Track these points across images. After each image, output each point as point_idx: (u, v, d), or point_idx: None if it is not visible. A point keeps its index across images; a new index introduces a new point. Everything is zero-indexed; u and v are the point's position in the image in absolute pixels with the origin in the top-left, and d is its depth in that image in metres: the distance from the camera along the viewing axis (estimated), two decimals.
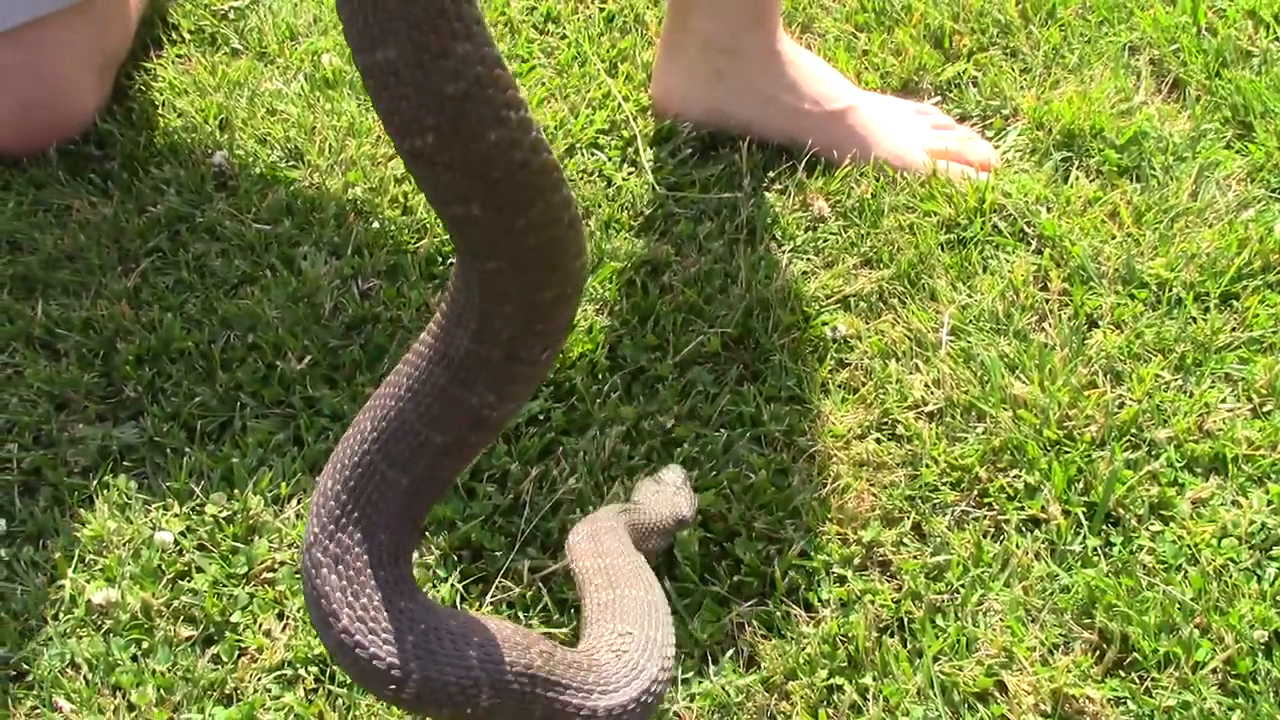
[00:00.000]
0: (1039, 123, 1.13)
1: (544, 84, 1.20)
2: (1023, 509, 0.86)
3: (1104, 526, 0.84)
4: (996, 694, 0.77)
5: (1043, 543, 0.84)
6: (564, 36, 1.26)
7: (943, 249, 1.03)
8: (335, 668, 0.79)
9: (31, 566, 0.84)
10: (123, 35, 1.19)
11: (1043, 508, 0.85)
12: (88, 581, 0.83)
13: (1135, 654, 0.78)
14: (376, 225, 1.06)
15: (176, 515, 0.87)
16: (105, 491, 0.88)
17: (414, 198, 1.09)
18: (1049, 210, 1.05)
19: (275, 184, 1.11)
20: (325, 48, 1.25)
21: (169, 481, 0.88)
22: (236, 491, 0.87)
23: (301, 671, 0.78)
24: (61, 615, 0.82)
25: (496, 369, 0.52)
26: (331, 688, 0.78)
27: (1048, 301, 0.98)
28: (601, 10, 1.29)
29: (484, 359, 0.51)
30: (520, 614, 0.81)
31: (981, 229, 1.04)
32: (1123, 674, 0.77)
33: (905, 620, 0.80)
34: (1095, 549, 0.83)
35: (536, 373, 0.54)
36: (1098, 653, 0.78)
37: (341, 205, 1.08)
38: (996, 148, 1.12)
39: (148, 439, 0.91)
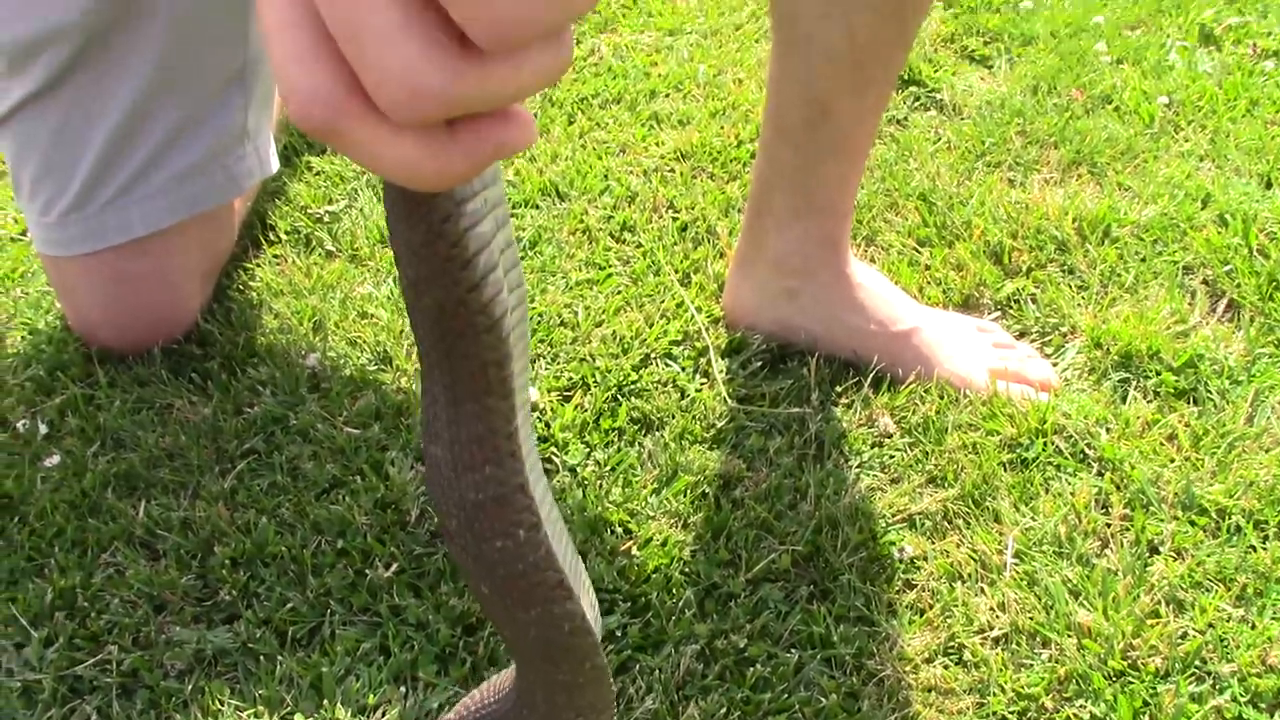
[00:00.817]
0: (1097, 341, 1.18)
1: (620, 293, 1.26)
2: None
3: None
4: None
5: None
6: (639, 245, 1.33)
7: (1005, 469, 1.06)
8: None
9: None
10: (229, 240, 1.27)
11: None
12: None
13: None
14: None
15: None
16: (200, 697, 0.92)
17: None
18: (1108, 432, 1.08)
19: (365, 387, 1.16)
20: None
21: (260, 689, 0.92)
22: (325, 701, 0.91)
23: None
24: None
25: None
26: None
27: (1109, 526, 1.01)
28: (675, 220, 1.36)
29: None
30: None
31: (1043, 450, 1.07)
32: None
33: None
34: None
35: None
36: None
37: None
38: (1055, 365, 1.17)
39: (241, 644, 0.96)
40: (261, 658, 0.94)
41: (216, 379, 1.18)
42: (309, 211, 1.39)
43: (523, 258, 1.32)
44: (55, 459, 1.11)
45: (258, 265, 1.32)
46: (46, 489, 1.08)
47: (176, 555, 1.02)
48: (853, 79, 1.03)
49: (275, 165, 1.27)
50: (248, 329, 1.24)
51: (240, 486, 1.08)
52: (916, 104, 1.54)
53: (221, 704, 0.92)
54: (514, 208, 1.39)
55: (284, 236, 1.36)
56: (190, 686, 0.93)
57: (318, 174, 1.45)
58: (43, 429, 1.14)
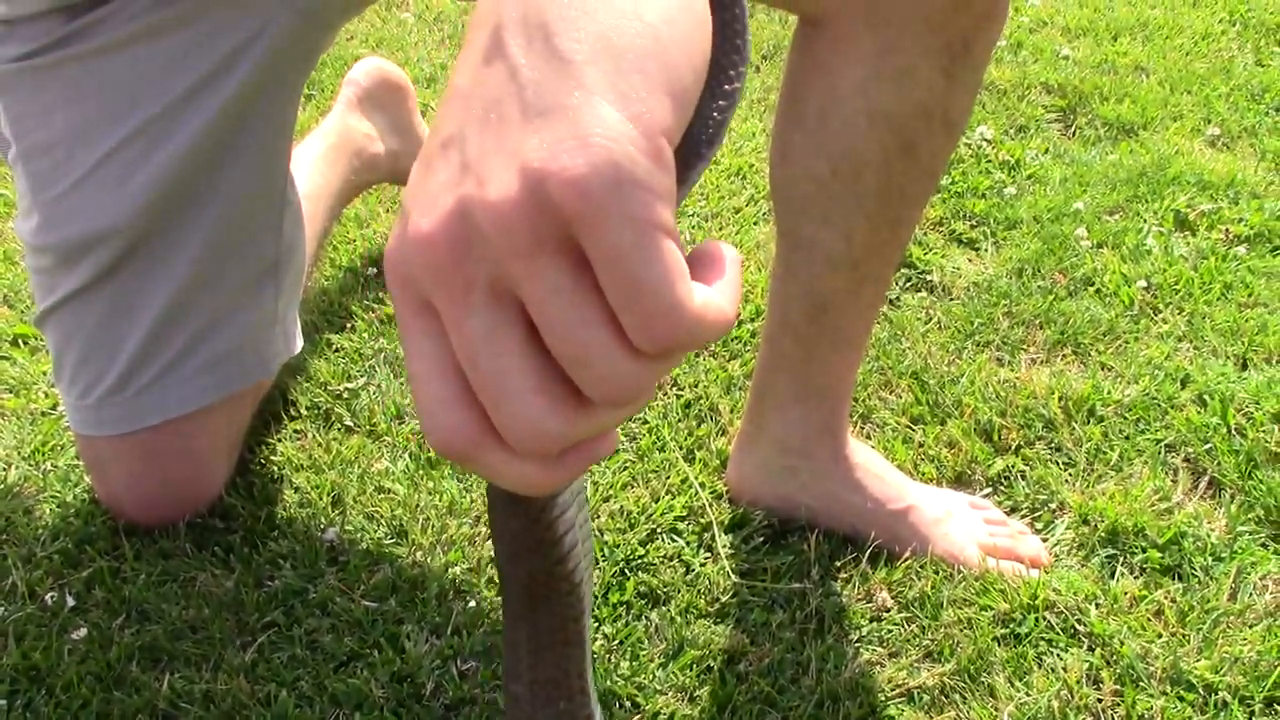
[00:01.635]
0: (1084, 518, 1.23)
1: (627, 469, 1.32)
2: None
3: None
4: None
5: None
6: (645, 422, 1.39)
7: (998, 644, 1.10)
8: None
9: None
10: (250, 415, 1.33)
11: None
12: None
13: None
14: (474, 604, 1.16)
15: None
16: None
17: None
18: (1097, 608, 1.13)
19: (381, 560, 1.21)
20: None
21: None
22: None
23: None
24: None
25: None
26: None
27: (1100, 701, 1.05)
28: (679, 398, 1.42)
29: None
30: None
31: (1035, 625, 1.11)
32: None
33: None
34: None
35: None
36: None
37: (442, 584, 1.18)
38: (1045, 541, 1.21)
39: None
40: None
41: (239, 552, 1.23)
42: (329, 388, 1.46)
43: None
44: (82, 631, 1.15)
45: (279, 440, 1.38)
46: (73, 661, 1.12)
47: None
48: (851, 278, 1.10)
49: (300, 344, 1.33)
50: (269, 503, 1.29)
51: (260, 660, 1.12)
52: (908, 284, 1.62)
53: None
54: None
55: (304, 412, 1.42)
56: None
57: (337, 351, 1.52)
58: (70, 601, 1.19)
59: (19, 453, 1.40)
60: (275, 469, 1.34)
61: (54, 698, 1.09)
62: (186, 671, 1.11)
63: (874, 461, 1.23)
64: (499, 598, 1.17)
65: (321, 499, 1.29)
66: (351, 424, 1.41)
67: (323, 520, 1.27)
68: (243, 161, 1.17)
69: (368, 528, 1.26)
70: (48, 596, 1.19)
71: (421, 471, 1.32)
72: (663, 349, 0.35)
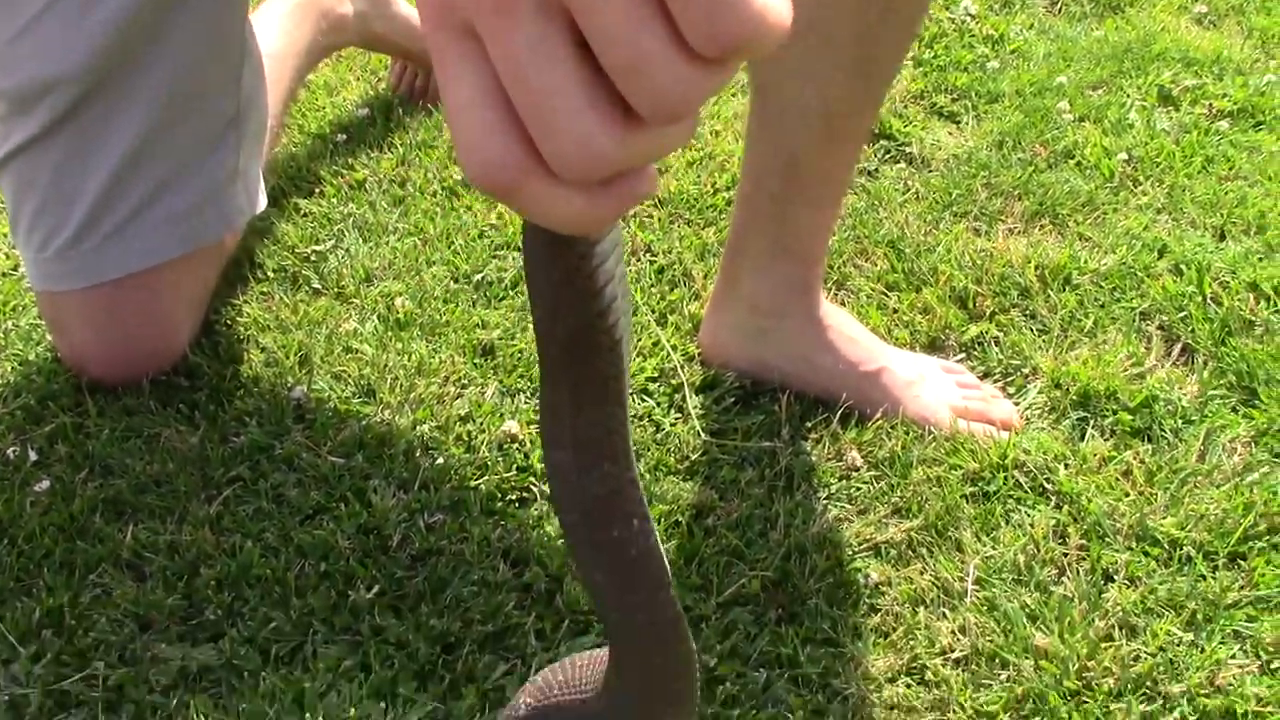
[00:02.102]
0: (1056, 382, 1.22)
1: None
2: None
3: None
4: None
5: None
6: None
7: (967, 501, 1.10)
8: None
9: None
10: (218, 272, 1.31)
11: None
12: None
13: None
14: (442, 461, 1.15)
15: None
16: (185, 711, 0.94)
17: (476, 436, 1.18)
18: (1066, 467, 1.13)
19: (349, 419, 1.20)
20: (398, 290, 1.36)
21: (243, 704, 0.95)
22: (307, 715, 0.94)
23: None
24: None
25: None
26: None
27: (1066, 555, 1.05)
28: (652, 263, 1.40)
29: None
30: None
31: (1004, 484, 1.11)
32: None
33: None
34: None
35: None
36: None
37: (410, 441, 1.17)
38: (1017, 405, 1.21)
39: (225, 660, 0.98)
40: (245, 674, 0.97)
41: (204, 409, 1.22)
42: (296, 251, 1.43)
43: (502, 298, 1.36)
44: (45, 484, 1.14)
45: (245, 301, 1.36)
46: (35, 513, 1.11)
47: (163, 577, 1.05)
48: (825, 133, 1.08)
49: (264, 203, 1.31)
50: (235, 362, 1.28)
51: (226, 512, 1.11)
52: (887, 156, 1.60)
53: (205, 718, 0.94)
54: (495, 252, 1.44)
55: (271, 274, 1.40)
56: (175, 701, 0.95)
57: (305, 215, 1.50)
58: (32, 456, 1.17)
59: None
60: (241, 329, 1.32)
61: (16, 548, 1.08)
62: (150, 524, 1.10)
63: (847, 324, 1.22)
64: (466, 454, 1.16)
65: (288, 358, 1.28)
66: (319, 286, 1.39)
67: (289, 379, 1.25)
68: (198, 4, 1.13)
69: (335, 387, 1.24)
70: (10, 451, 1.18)
71: (390, 333, 1.31)
72: (722, 49, 0.33)
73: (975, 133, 1.63)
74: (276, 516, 1.10)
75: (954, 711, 0.93)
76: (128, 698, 0.96)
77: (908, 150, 1.60)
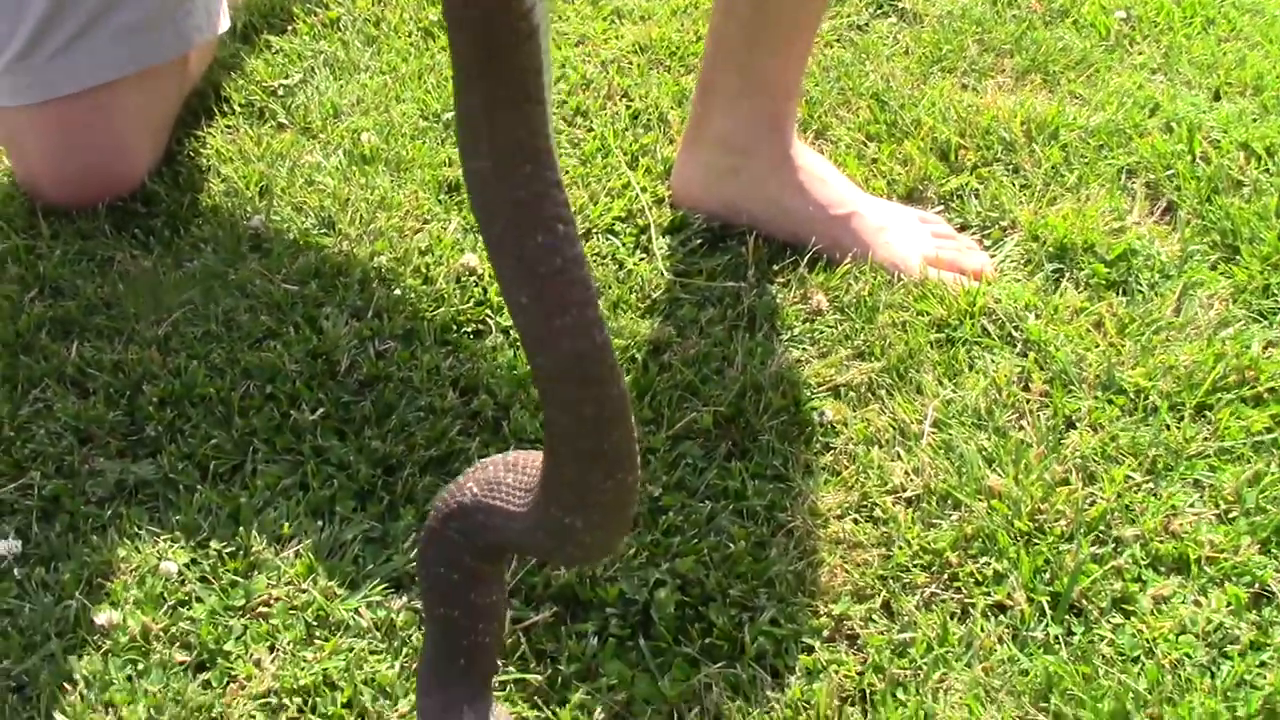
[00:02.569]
0: (1034, 235, 1.19)
1: (568, 172, 1.27)
2: (989, 594, 0.89)
3: (1066, 616, 0.87)
4: None
5: (1006, 627, 0.87)
6: (590, 129, 1.33)
7: (932, 347, 1.08)
8: (318, 699, 0.82)
9: (41, 587, 0.89)
10: (177, 98, 1.27)
11: (1009, 595, 0.89)
12: (93, 604, 0.87)
13: None
14: (398, 292, 1.12)
15: (183, 548, 0.91)
16: (119, 522, 0.93)
17: (434, 269, 1.15)
18: (1036, 316, 1.10)
19: (306, 249, 1.17)
20: (365, 126, 1.33)
21: (179, 516, 0.93)
22: (241, 529, 0.92)
23: (286, 701, 0.82)
24: (65, 634, 0.86)
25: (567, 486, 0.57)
26: (311, 717, 0.81)
27: (1028, 401, 1.02)
28: (628, 108, 1.36)
29: (557, 474, 0.57)
30: (500, 661, 0.85)
31: (970, 330, 1.08)
32: None
33: (868, 692, 0.83)
34: (1056, 637, 0.86)
35: (605, 500, 0.57)
36: None
37: (366, 272, 1.14)
38: (993, 258, 1.18)
39: (163, 475, 0.97)
40: (182, 489, 0.95)
41: (159, 235, 1.19)
42: (264, 85, 1.39)
43: None
44: None
45: (209, 133, 1.32)
46: None
47: (106, 393, 1.03)
48: None
49: (224, 25, 1.27)
50: (194, 190, 1.25)
51: (174, 334, 1.09)
52: (878, 11, 1.54)
53: (139, 529, 0.93)
54: None
55: (237, 108, 1.36)
56: (110, 512, 0.94)
57: (276, 52, 1.45)
58: None
59: None
60: (203, 160, 1.29)
61: None
62: (97, 343, 1.08)
63: (819, 166, 1.18)
64: (424, 286, 1.13)
65: (249, 189, 1.25)
66: (285, 121, 1.35)
67: (248, 209, 1.22)
68: None
69: (294, 218, 1.21)
70: None
71: (354, 167, 1.27)
72: None
73: None
74: (225, 340, 1.08)
75: (900, 548, 0.92)
76: (62, 508, 0.95)
77: (899, 4, 1.54)
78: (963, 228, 1.22)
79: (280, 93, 1.39)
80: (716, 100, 1.15)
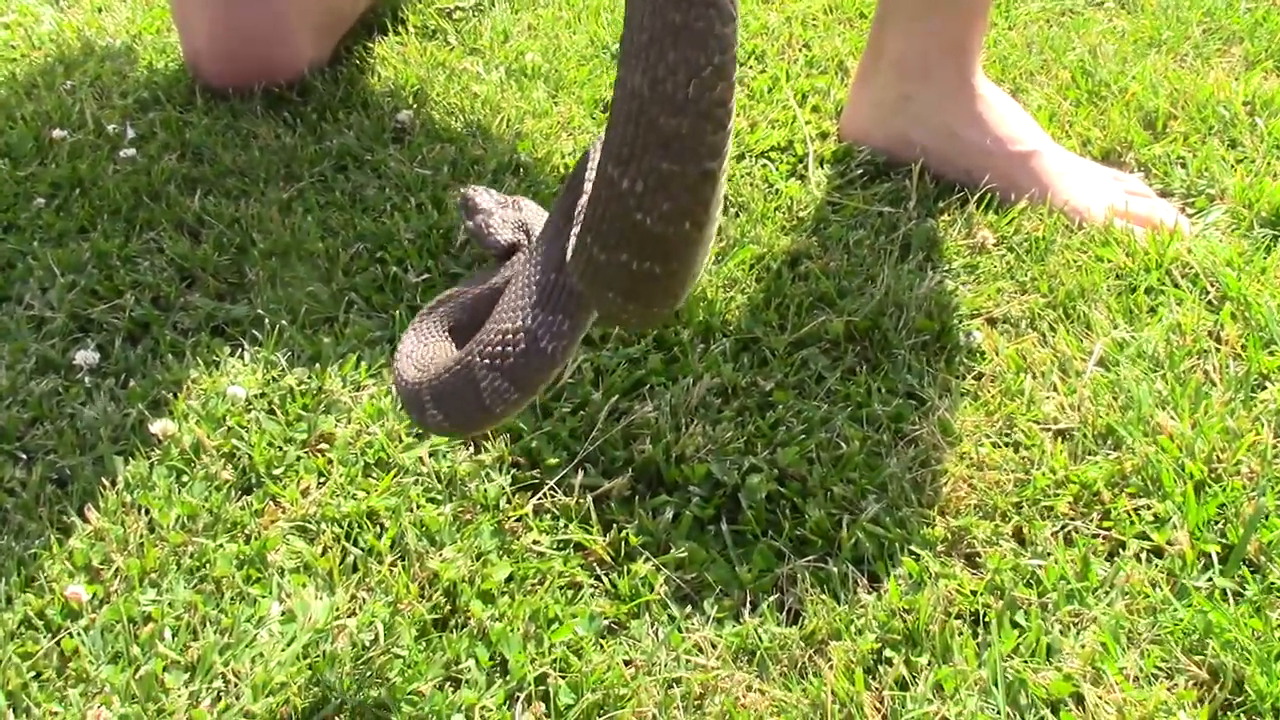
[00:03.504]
0: (1246, 202, 1.04)
1: None
2: (1146, 537, 0.75)
3: (1239, 570, 0.72)
4: (1071, 705, 0.65)
5: (1162, 572, 0.73)
6: (764, 70, 1.26)
7: (1110, 292, 0.94)
8: (359, 530, 0.74)
9: (110, 398, 0.84)
10: (345, 7, 1.26)
11: (1169, 540, 0.74)
12: (152, 415, 0.82)
13: (1249, 695, 0.65)
14: (529, 185, 1.06)
15: (256, 379, 0.86)
16: (199, 349, 0.88)
17: (573, 166, 1.08)
18: (1237, 274, 0.95)
19: (448, 143, 1.12)
20: (531, 48, 1.28)
21: (261, 351, 0.88)
22: (319, 369, 0.86)
23: (324, 528, 0.74)
24: (119, 439, 0.81)
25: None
26: (348, 546, 0.73)
27: (1218, 352, 0.88)
28: (806, 56, 1.28)
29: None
30: (564, 522, 0.75)
31: (1158, 281, 0.95)
32: (1230, 715, 0.65)
33: (981, 613, 0.70)
34: (1224, 590, 0.71)
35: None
36: (1203, 688, 0.66)
37: (503, 166, 1.09)
38: (1194, 225, 1.04)
39: (253, 315, 0.92)
40: (269, 328, 0.90)
41: (307, 119, 1.16)
42: (440, 9, 1.37)
43: None
44: (131, 152, 1.10)
45: (378, 45, 1.30)
46: (117, 176, 1.07)
47: (218, 241, 1.00)
48: None
49: None
50: (350, 85, 1.22)
51: (298, 198, 1.05)
52: (1095, 0, 1.43)
53: (219, 359, 0.88)
54: None
55: (411, 29, 1.34)
56: (193, 341, 0.89)
57: None
58: (130, 133, 1.14)
59: (127, 30, 1.37)
60: (368, 63, 1.27)
61: (88, 199, 1.05)
62: (222, 199, 1.05)
63: (1001, 99, 1.07)
64: (560, 183, 1.07)
65: (404, 88, 1.21)
66: (455, 42, 1.32)
67: (400, 105, 1.19)
68: None
69: (444, 120, 1.17)
70: (110, 127, 1.15)
71: (513, 81, 1.23)
72: None
73: None
74: (347, 209, 1.04)
75: (1042, 473, 0.78)
76: (149, 333, 0.91)
77: None
78: (1163, 194, 1.09)
79: (455, 16, 1.36)
80: (894, 20, 1.06)
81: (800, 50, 1.29)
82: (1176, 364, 0.86)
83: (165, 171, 1.07)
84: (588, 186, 0.52)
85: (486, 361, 0.54)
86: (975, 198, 1.03)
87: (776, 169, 1.10)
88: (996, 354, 0.89)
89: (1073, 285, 0.94)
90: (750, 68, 1.26)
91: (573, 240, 0.51)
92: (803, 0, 1.40)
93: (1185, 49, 1.30)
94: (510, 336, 0.53)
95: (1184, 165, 1.11)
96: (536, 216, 0.65)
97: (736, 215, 1.03)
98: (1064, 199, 1.02)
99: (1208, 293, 0.94)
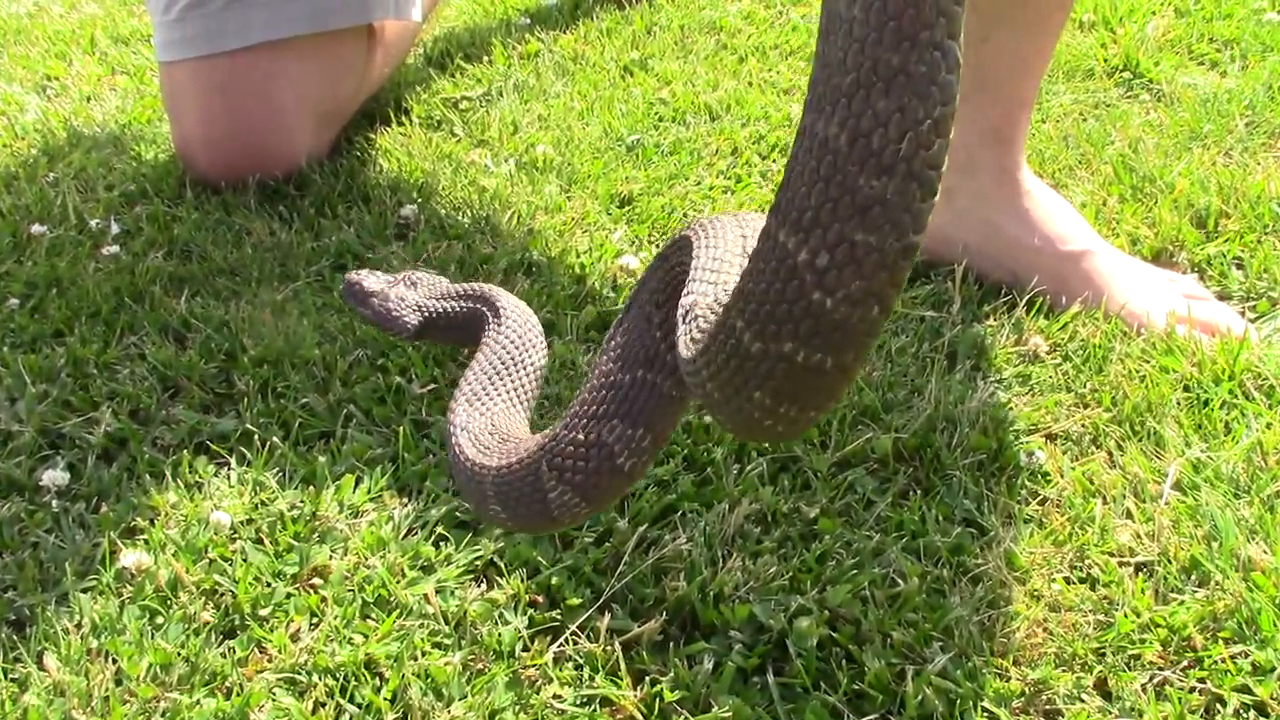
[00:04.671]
0: None
1: (755, 199, 1.12)
2: (1247, 690, 0.66)
3: None
4: None
5: None
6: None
7: (1179, 405, 0.86)
8: (355, 684, 0.65)
9: (78, 524, 0.76)
10: (352, 91, 1.19)
11: (1275, 694, 0.65)
12: (125, 545, 0.74)
13: None
14: (543, 286, 0.98)
15: (243, 503, 0.77)
16: (180, 470, 0.80)
17: (590, 269, 1.01)
18: None
19: (455, 241, 1.05)
20: (542, 140, 1.22)
21: (249, 473, 0.79)
22: (313, 492, 0.77)
23: (316, 680, 0.65)
24: (86, 573, 0.72)
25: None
26: (343, 702, 0.64)
27: None
28: None
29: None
30: (589, 673, 0.66)
31: (1229, 394, 0.87)
32: None
33: None
34: None
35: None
36: None
37: (513, 265, 1.01)
38: (1260, 331, 0.96)
39: (241, 429, 0.83)
40: (259, 446, 0.82)
41: (304, 214, 1.09)
42: (446, 99, 1.31)
43: (657, 163, 1.19)
44: (114, 249, 1.03)
45: (380, 135, 1.24)
46: (98, 276, 1.00)
47: (205, 347, 0.92)
48: None
49: (417, 13, 1.19)
50: (351, 178, 1.15)
51: (293, 300, 0.98)
52: (1128, 93, 1.37)
53: (202, 480, 0.79)
54: (659, 122, 1.28)
55: (416, 119, 1.28)
56: (173, 459, 0.81)
57: (466, 75, 1.38)
58: (115, 229, 1.07)
59: (116, 120, 1.31)
60: (370, 155, 1.20)
61: (66, 300, 0.97)
62: (211, 301, 0.98)
63: (1049, 196, 1.00)
64: (575, 285, 0.99)
65: (409, 181, 1.15)
66: (461, 133, 1.26)
67: (404, 199, 1.12)
68: None
69: (451, 215, 1.10)
70: (93, 222, 1.08)
71: (524, 174, 1.16)
72: None
73: (1240, 77, 1.38)
74: (346, 312, 0.96)
75: (1125, 616, 0.70)
76: (126, 450, 0.83)
77: (1155, 86, 1.37)
78: (1221, 297, 1.01)
79: (461, 104, 1.30)
80: None
81: None
82: (1262, 488, 0.78)
83: (150, 270, 1.00)
84: (704, 270, 0.45)
85: (557, 473, 0.48)
86: (1024, 301, 0.96)
87: None
88: (1061, 475, 0.81)
89: (1138, 398, 0.86)
90: (774, 161, 1.20)
91: (696, 329, 0.43)
92: None
93: (1229, 142, 1.24)
94: (584, 450, 0.47)
95: (1241, 266, 1.04)
96: (433, 287, 0.62)
97: None
98: (1120, 303, 0.94)
99: None
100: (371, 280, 0.62)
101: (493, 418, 0.55)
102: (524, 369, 0.58)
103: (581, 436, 0.48)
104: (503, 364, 0.58)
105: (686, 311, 0.44)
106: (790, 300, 0.36)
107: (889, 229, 0.34)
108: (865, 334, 0.36)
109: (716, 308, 0.43)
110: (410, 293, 0.62)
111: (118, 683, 0.65)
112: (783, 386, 0.38)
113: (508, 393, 0.57)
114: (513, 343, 0.59)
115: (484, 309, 0.60)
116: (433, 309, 0.61)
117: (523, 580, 0.72)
